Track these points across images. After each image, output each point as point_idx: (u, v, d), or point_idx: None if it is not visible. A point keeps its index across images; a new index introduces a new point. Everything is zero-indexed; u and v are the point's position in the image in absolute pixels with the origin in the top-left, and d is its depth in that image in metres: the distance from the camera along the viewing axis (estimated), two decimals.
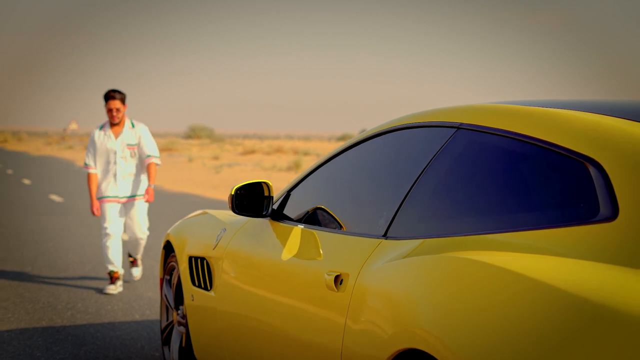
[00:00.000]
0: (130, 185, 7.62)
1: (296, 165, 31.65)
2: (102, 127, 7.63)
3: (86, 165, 7.64)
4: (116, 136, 7.58)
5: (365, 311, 2.47)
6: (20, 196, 18.72)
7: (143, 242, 7.83)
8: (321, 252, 2.92)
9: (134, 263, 7.99)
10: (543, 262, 1.96)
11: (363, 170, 3.21)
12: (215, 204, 15.83)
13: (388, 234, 2.66)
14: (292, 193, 3.58)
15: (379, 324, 2.35)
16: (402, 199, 2.72)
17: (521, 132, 2.38)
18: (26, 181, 24.60)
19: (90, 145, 7.63)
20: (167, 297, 4.65)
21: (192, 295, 4.04)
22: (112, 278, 7.47)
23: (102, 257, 9.13)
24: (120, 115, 7.51)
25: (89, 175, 7.60)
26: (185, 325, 4.25)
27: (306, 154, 46.66)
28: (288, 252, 3.16)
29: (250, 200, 3.51)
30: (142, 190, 7.66)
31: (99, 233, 11.02)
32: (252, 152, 53.87)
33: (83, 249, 10.13)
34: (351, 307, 2.56)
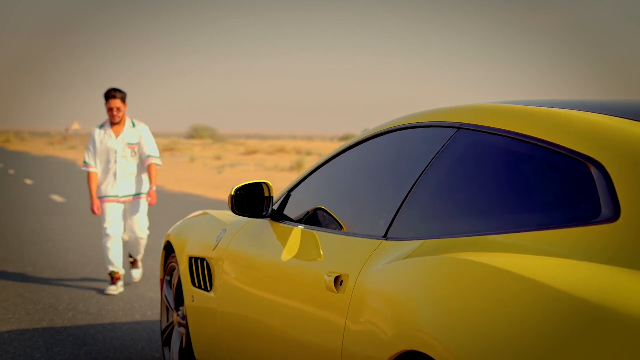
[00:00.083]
0: (130, 185, 7.60)
1: (299, 166, 31.64)
2: (102, 126, 7.60)
3: (86, 164, 7.60)
4: (117, 135, 7.56)
5: (366, 312, 2.46)
6: (21, 196, 18.73)
7: (144, 242, 7.81)
8: (321, 253, 2.91)
9: (134, 264, 7.97)
10: (544, 263, 1.95)
11: (363, 171, 3.20)
12: (217, 205, 15.81)
13: (388, 235, 2.65)
14: (292, 193, 3.56)
15: (379, 326, 2.34)
16: (402, 200, 2.70)
17: (522, 132, 2.37)
18: (28, 181, 24.63)
19: (90, 144, 7.61)
20: (168, 298, 4.63)
21: (193, 296, 4.03)
22: (113, 279, 7.46)
23: (102, 257, 9.12)
24: (120, 114, 7.49)
25: (89, 174, 7.58)
26: (186, 326, 4.24)
27: (309, 154, 46.64)
28: (288, 253, 3.14)
29: (251, 200, 3.49)
30: (142, 189, 7.64)
31: (100, 234, 11.02)
32: (255, 152, 53.82)
33: (84, 249, 10.13)
34: (351, 309, 2.55)
